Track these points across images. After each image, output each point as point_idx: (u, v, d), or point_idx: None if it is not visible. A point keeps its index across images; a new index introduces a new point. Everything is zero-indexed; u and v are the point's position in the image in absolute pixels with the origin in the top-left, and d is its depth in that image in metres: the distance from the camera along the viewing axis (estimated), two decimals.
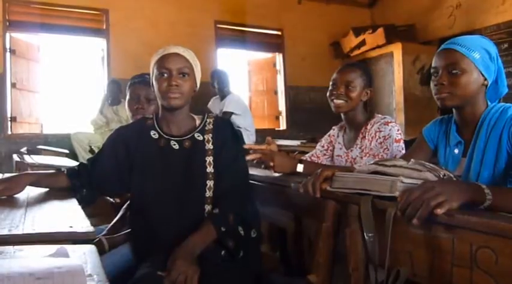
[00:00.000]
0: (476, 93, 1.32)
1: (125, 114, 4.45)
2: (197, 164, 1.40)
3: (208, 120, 1.48)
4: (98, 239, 1.52)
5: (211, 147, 1.43)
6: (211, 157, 1.41)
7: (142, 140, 1.45)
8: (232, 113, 4.38)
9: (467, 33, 4.66)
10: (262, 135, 5.38)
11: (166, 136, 1.44)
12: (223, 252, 1.31)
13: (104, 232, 1.66)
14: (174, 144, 1.43)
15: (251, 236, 1.40)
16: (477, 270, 0.84)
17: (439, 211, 0.87)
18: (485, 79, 1.31)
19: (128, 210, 1.65)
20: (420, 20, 5.76)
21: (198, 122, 1.48)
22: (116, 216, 1.76)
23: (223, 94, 4.50)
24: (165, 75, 1.37)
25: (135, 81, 1.87)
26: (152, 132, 1.46)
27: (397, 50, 5.40)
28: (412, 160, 1.14)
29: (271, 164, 1.69)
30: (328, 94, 1.86)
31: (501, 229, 0.80)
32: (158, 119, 1.49)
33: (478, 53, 1.29)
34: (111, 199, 2.02)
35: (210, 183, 1.39)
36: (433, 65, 1.36)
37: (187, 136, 1.44)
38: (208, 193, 1.39)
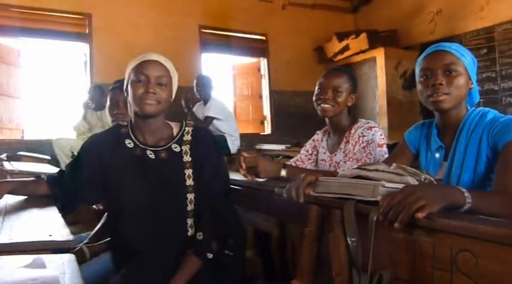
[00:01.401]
0: (465, 96, 1.34)
1: (108, 120, 4.39)
2: (175, 177, 1.36)
3: (186, 129, 1.42)
4: (79, 248, 1.49)
5: (189, 159, 1.37)
6: (190, 169, 1.36)
7: (117, 149, 1.39)
8: (213, 118, 4.37)
9: (448, 39, 4.78)
10: (247, 139, 5.40)
11: (142, 146, 1.39)
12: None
13: (86, 240, 1.63)
14: (150, 154, 1.37)
15: (238, 251, 1.40)
16: (457, 273, 0.85)
17: (420, 215, 0.88)
18: (472, 83, 1.34)
19: None
20: (402, 26, 5.85)
21: (175, 131, 1.42)
22: (98, 223, 1.74)
23: (205, 99, 4.49)
24: (142, 81, 1.33)
25: (114, 86, 1.86)
26: (127, 141, 1.40)
27: (379, 54, 5.47)
28: (393, 164, 1.15)
29: (257, 169, 1.69)
30: (314, 98, 1.86)
31: (480, 233, 0.81)
32: (132, 127, 1.43)
33: (467, 57, 1.32)
34: (94, 206, 1.99)
35: (190, 196, 1.35)
36: (423, 66, 1.35)
37: (164, 147, 1.38)
38: (190, 207, 1.34)
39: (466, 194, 0.95)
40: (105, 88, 4.35)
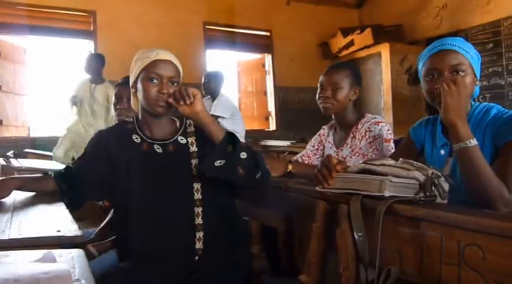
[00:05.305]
0: (471, 94, 1.33)
1: (101, 98, 3.84)
2: (183, 167, 1.38)
3: (188, 122, 1.45)
4: (85, 248, 1.50)
5: (196, 149, 1.41)
6: (196, 159, 1.39)
7: (124, 145, 1.41)
8: (218, 117, 4.36)
9: (454, 34, 4.74)
10: (252, 136, 5.40)
11: (149, 141, 1.41)
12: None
13: (92, 236, 1.64)
14: (158, 148, 1.40)
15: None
16: (465, 267, 0.85)
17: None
18: (477, 80, 1.33)
19: None
20: (407, 21, 5.81)
21: (178, 124, 1.45)
22: (104, 219, 1.75)
23: (214, 95, 4.49)
24: (155, 81, 1.33)
25: (119, 82, 1.88)
26: (134, 136, 1.42)
27: (384, 50, 5.44)
28: (400, 159, 1.15)
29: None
30: (317, 96, 1.86)
31: (488, 227, 0.81)
32: (139, 123, 1.44)
33: (472, 53, 1.32)
34: (100, 203, 2.00)
35: (197, 186, 1.37)
36: (429, 66, 1.34)
37: (171, 140, 1.41)
38: (197, 196, 1.36)
39: (472, 141, 1.13)
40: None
